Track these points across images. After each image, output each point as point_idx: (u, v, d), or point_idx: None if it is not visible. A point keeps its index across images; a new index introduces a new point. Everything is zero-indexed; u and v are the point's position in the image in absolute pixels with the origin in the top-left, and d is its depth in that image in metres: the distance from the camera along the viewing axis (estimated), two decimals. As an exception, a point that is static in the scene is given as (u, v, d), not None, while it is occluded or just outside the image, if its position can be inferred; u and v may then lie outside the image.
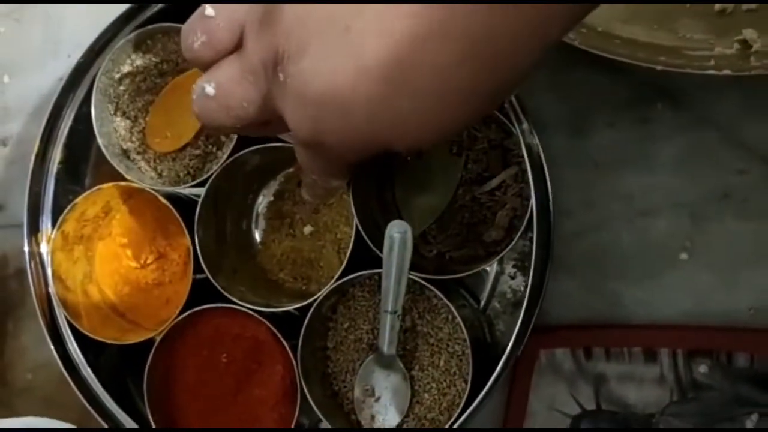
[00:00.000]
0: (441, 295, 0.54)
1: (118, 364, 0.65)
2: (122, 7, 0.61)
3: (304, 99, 0.31)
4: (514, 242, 0.53)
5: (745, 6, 0.54)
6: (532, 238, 0.53)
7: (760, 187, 0.57)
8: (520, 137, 0.50)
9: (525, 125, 0.52)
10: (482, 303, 0.61)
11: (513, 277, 0.61)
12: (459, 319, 0.54)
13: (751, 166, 0.57)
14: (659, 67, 0.50)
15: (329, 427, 0.57)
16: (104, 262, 0.66)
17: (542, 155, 0.57)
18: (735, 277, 0.57)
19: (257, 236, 0.65)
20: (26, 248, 0.63)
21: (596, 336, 0.59)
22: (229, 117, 0.34)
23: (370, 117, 0.30)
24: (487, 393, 0.53)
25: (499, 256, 0.54)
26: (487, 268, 0.61)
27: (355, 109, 0.30)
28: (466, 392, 0.54)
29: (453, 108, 0.30)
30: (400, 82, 0.28)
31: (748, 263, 0.57)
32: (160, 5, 0.61)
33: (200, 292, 0.60)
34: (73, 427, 0.58)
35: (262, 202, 0.65)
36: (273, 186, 0.65)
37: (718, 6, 0.54)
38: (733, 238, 0.57)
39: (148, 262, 0.66)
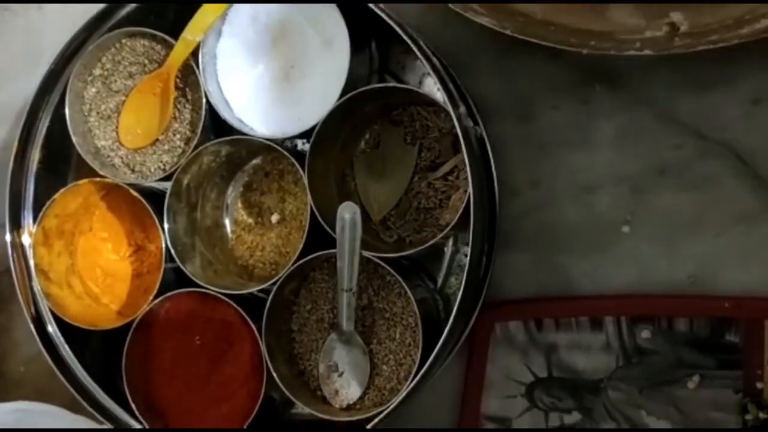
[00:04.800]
0: (393, 272, 0.58)
1: (103, 353, 0.69)
2: (94, 10, 0.65)
3: None
4: (453, 224, 0.56)
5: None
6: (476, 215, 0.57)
7: (694, 160, 0.60)
8: (456, 121, 0.54)
9: (461, 109, 0.55)
10: (439, 282, 0.64)
11: (467, 255, 0.64)
12: (410, 292, 0.57)
13: (685, 141, 0.60)
14: (585, 51, 0.54)
15: (298, 401, 0.60)
16: (86, 255, 0.70)
17: (486, 137, 0.61)
18: (674, 248, 0.60)
19: (228, 225, 0.69)
20: (9, 249, 0.66)
21: (546, 308, 0.62)
22: None
23: None
24: (435, 358, 0.56)
25: (442, 235, 0.57)
26: (445, 249, 0.64)
27: None
28: (418, 360, 0.57)
29: None
30: None
31: (686, 234, 0.60)
32: (128, 9, 0.65)
33: (176, 279, 0.64)
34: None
35: (232, 192, 0.69)
36: (241, 178, 0.69)
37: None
38: (671, 210, 0.60)
39: (128, 254, 0.70)
